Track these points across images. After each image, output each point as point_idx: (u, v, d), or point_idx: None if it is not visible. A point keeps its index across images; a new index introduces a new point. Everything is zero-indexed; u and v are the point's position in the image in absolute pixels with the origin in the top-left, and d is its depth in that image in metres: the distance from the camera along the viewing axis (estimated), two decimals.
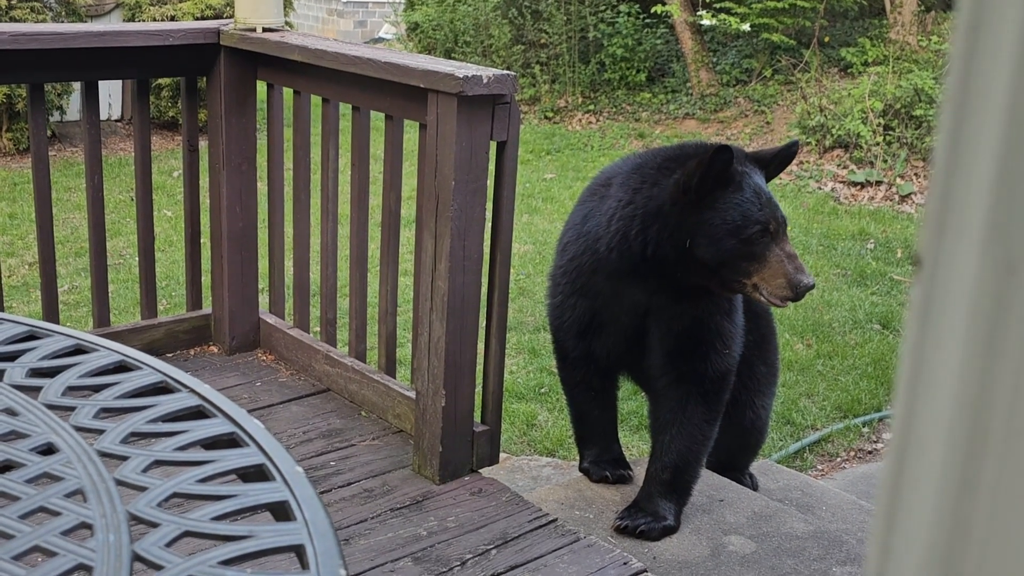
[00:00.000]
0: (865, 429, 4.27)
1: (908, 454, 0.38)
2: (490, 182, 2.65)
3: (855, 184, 7.65)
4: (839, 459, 4.08)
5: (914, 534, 0.38)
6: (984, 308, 0.35)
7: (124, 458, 1.34)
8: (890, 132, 7.77)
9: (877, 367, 4.74)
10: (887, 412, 4.39)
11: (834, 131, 7.89)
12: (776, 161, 2.52)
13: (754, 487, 3.13)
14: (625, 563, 2.42)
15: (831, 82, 8.85)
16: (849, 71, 9.09)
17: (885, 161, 7.66)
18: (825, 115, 8.07)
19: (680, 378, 2.61)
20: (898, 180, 7.54)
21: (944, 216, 0.37)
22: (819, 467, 4.02)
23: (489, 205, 2.66)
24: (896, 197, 7.45)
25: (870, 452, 4.14)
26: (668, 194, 2.39)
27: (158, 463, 1.34)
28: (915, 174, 7.60)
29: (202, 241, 3.40)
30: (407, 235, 5.02)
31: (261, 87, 3.27)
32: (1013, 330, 0.35)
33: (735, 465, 3.12)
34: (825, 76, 9.01)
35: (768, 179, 2.50)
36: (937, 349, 0.37)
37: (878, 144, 7.70)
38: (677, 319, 2.55)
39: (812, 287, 2.38)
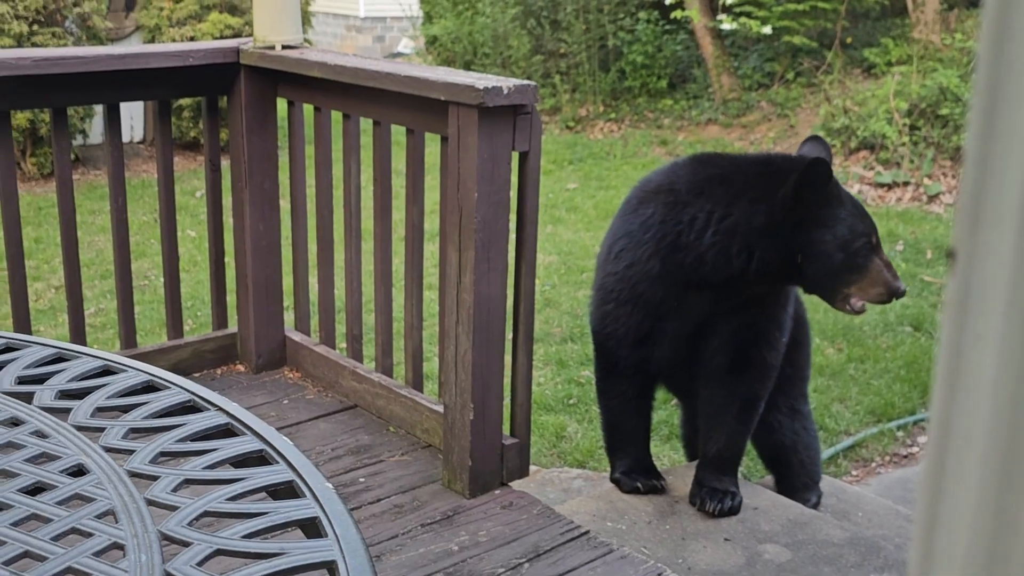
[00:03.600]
0: (900, 433, 4.22)
1: (948, 451, 0.37)
2: (513, 193, 2.64)
3: (882, 185, 7.59)
4: (874, 464, 4.04)
5: (957, 534, 0.37)
6: (1021, 298, 0.34)
7: (154, 478, 1.34)
8: (916, 132, 7.71)
9: (910, 370, 4.69)
10: (922, 415, 4.34)
11: (859, 133, 7.84)
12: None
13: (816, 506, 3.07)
14: (660, 574, 2.39)
15: (854, 83, 8.79)
16: (872, 72, 9.03)
17: (912, 161, 7.60)
18: (849, 117, 8.02)
19: (739, 369, 2.67)
20: (926, 180, 7.47)
21: (978, 208, 0.36)
22: (854, 472, 3.98)
23: (512, 216, 2.65)
24: (924, 197, 7.38)
25: (905, 456, 4.09)
26: (777, 211, 2.42)
27: (188, 482, 1.33)
28: (943, 173, 7.54)
29: (226, 260, 3.41)
30: (431, 249, 5.02)
31: (281, 104, 3.28)
32: None
33: (783, 482, 3.09)
34: (848, 77, 8.96)
35: None
36: (975, 343, 0.35)
37: (904, 144, 7.64)
38: (740, 319, 2.61)
39: (905, 293, 2.49)
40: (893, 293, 2.47)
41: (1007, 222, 0.35)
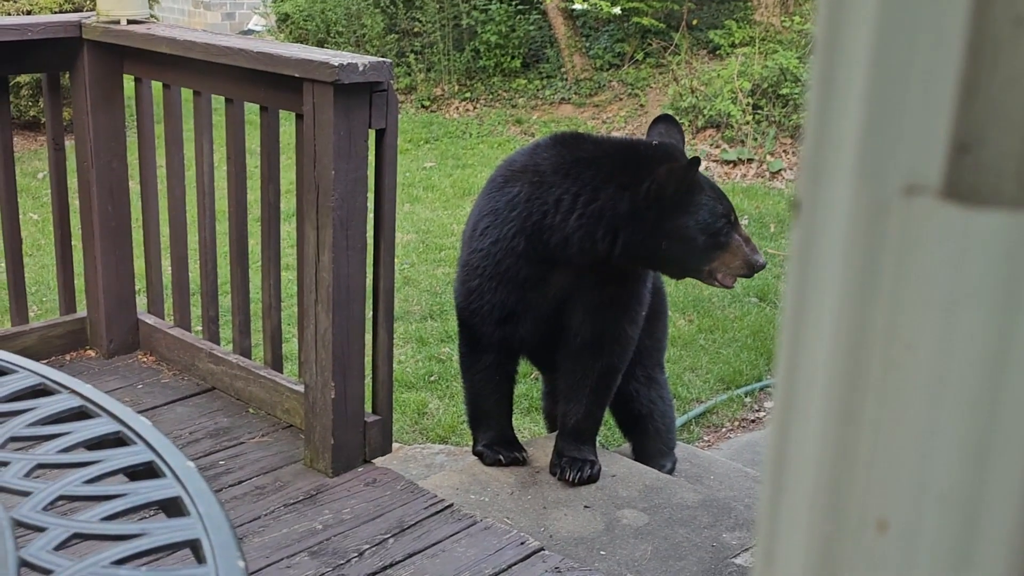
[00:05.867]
0: (747, 399, 4.39)
1: (794, 390, 0.40)
2: (370, 172, 2.63)
3: (728, 162, 7.84)
4: (724, 429, 4.19)
5: (804, 461, 0.40)
6: (859, 245, 0.37)
7: (4, 464, 1.30)
8: (759, 111, 7.98)
9: (756, 338, 4.88)
10: (767, 381, 4.52)
11: (706, 112, 8.07)
12: None
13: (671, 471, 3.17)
14: (522, 543, 2.44)
15: (701, 64, 9.03)
16: (717, 53, 9.29)
17: (755, 139, 7.87)
18: (696, 96, 8.24)
19: (599, 343, 2.73)
20: (768, 157, 7.75)
21: (818, 163, 0.39)
22: (705, 438, 4.12)
23: (370, 195, 2.65)
24: (767, 174, 7.66)
25: (753, 421, 4.26)
26: (642, 200, 2.48)
27: (41, 467, 1.30)
28: (784, 151, 7.83)
29: (73, 243, 3.29)
30: (287, 229, 4.94)
31: (128, 82, 3.18)
32: (887, 265, 0.37)
33: (640, 450, 3.18)
34: (695, 58, 9.19)
35: None
36: (816, 285, 0.39)
37: (748, 123, 7.90)
38: (602, 295, 2.68)
39: (765, 266, 2.60)
40: (752, 266, 2.58)
41: (842, 176, 0.38)
